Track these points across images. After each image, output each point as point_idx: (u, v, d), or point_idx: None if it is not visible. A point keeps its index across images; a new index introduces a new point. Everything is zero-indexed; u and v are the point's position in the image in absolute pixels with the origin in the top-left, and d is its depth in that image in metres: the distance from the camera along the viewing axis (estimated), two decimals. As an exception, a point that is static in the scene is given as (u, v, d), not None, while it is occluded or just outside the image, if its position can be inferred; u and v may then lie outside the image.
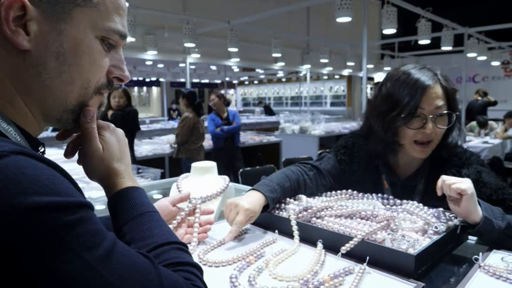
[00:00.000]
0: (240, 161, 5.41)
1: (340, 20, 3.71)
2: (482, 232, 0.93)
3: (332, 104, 14.72)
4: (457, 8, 8.13)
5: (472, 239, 1.02)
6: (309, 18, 7.89)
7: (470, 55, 6.51)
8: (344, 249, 0.84)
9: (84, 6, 0.56)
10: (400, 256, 0.80)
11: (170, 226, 0.98)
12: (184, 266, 0.57)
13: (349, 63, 8.09)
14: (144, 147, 5.19)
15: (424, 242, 0.87)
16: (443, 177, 0.97)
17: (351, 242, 0.84)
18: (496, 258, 0.88)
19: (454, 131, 1.18)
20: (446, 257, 0.92)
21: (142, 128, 7.47)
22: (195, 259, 0.90)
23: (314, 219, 1.01)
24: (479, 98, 7.38)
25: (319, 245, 0.91)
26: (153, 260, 0.53)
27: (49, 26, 0.54)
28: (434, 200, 1.05)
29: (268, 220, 1.09)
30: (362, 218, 0.99)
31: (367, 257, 0.81)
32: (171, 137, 5.49)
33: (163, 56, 6.24)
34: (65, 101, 0.59)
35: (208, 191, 1.21)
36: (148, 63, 9.19)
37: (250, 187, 1.58)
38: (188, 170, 1.36)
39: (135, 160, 4.22)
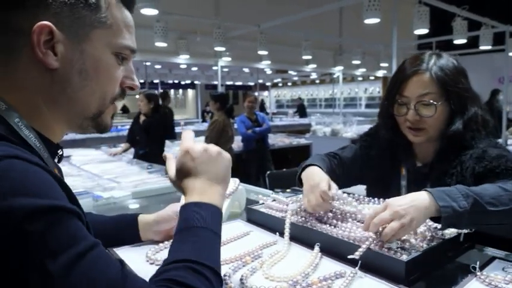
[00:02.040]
0: (271, 163, 5.48)
1: (368, 21, 3.66)
2: (454, 223, 0.86)
3: (367, 106, 14.43)
4: (497, 5, 7.72)
5: (479, 247, 1.00)
6: (341, 19, 7.80)
7: (512, 54, 6.17)
8: (351, 256, 0.82)
9: (101, 27, 0.64)
10: (391, 262, 0.80)
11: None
12: (179, 286, 0.54)
13: (382, 64, 7.92)
14: (176, 149, 5.34)
15: (421, 249, 0.86)
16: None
17: (360, 249, 0.83)
18: (497, 268, 0.86)
19: (457, 120, 1.13)
20: (446, 265, 0.91)
21: (177, 129, 7.69)
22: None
23: (315, 221, 1.03)
24: None
25: (316, 248, 0.93)
26: (125, 270, 0.52)
27: (73, 47, 0.62)
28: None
29: (271, 222, 1.12)
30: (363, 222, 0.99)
31: (359, 261, 0.82)
32: (201, 139, 5.61)
33: (196, 59, 6.41)
34: (86, 110, 0.67)
35: (217, 193, 1.26)
36: (183, 66, 9.43)
37: (270, 191, 1.64)
38: None
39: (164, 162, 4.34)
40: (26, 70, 0.60)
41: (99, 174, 2.62)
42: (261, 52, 5.66)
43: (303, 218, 1.05)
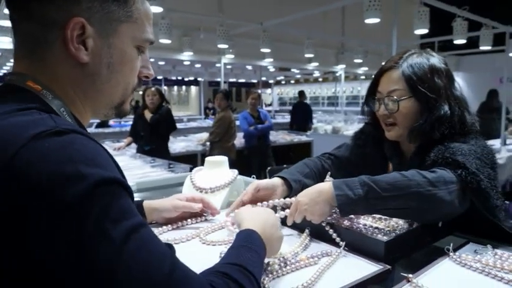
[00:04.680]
0: (272, 159, 5.57)
1: (368, 21, 3.72)
2: (351, 210, 0.95)
3: (369, 105, 14.43)
4: (497, 6, 7.75)
5: (457, 234, 1.08)
6: (344, 18, 7.85)
7: (513, 55, 6.21)
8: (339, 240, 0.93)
9: (127, 22, 0.67)
10: (373, 242, 0.89)
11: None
12: (227, 277, 0.58)
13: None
14: (178, 144, 5.44)
15: (401, 232, 0.95)
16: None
17: (331, 230, 0.93)
18: (470, 250, 0.94)
19: (422, 118, 1.12)
20: (425, 248, 0.99)
21: (180, 125, 7.77)
22: (197, 240, 1.04)
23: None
24: None
25: (306, 231, 1.02)
26: (173, 252, 0.56)
27: (102, 41, 0.65)
28: None
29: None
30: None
31: (344, 242, 0.91)
32: (203, 136, 5.71)
33: (199, 56, 6.48)
34: (112, 100, 0.71)
35: (217, 182, 1.35)
36: (186, 63, 9.51)
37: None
38: None
39: (170, 156, 4.41)
40: (59, 64, 0.63)
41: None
42: (263, 50, 5.73)
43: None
